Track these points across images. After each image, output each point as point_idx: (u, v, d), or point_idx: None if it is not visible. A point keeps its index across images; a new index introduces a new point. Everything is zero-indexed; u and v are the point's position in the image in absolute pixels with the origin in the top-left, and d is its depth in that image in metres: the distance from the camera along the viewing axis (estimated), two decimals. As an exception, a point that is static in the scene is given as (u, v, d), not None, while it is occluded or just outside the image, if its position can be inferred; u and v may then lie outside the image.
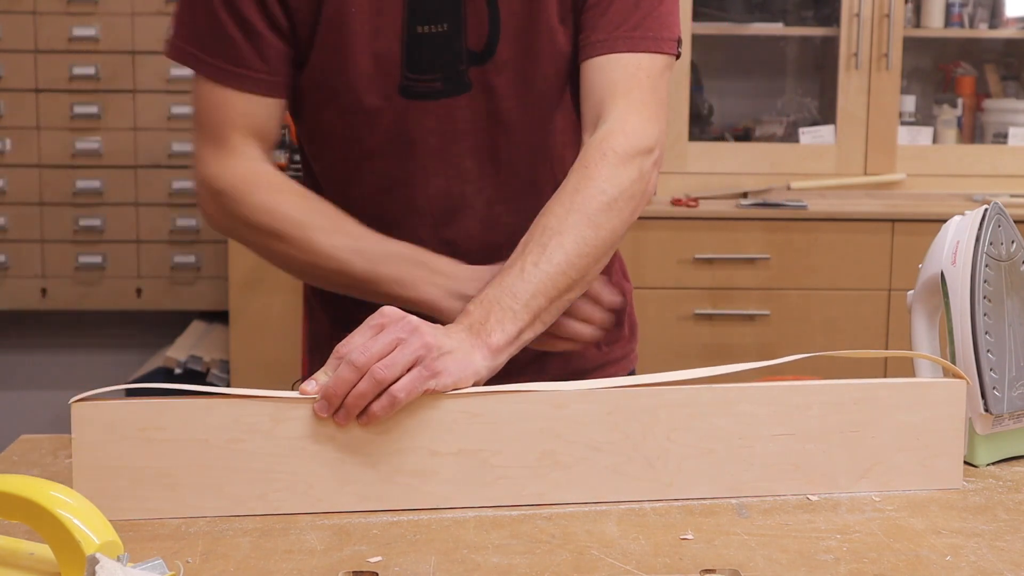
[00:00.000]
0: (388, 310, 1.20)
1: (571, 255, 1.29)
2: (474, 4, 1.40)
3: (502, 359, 1.24)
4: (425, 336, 1.17)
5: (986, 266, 1.29)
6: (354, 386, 1.14)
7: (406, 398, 1.15)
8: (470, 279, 1.38)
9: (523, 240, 1.32)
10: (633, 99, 1.38)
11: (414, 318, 1.19)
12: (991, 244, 1.30)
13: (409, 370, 1.16)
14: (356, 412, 1.15)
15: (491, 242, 1.46)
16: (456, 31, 1.40)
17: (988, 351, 1.28)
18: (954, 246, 1.32)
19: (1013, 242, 1.32)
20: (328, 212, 1.42)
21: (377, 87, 1.41)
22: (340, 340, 1.20)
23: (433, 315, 1.32)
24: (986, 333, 1.28)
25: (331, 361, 1.18)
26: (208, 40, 1.40)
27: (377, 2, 1.39)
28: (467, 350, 1.20)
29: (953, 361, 1.30)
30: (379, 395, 1.15)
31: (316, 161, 1.52)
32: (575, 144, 1.46)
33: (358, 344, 1.17)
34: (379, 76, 1.40)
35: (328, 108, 1.44)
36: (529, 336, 1.27)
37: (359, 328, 1.19)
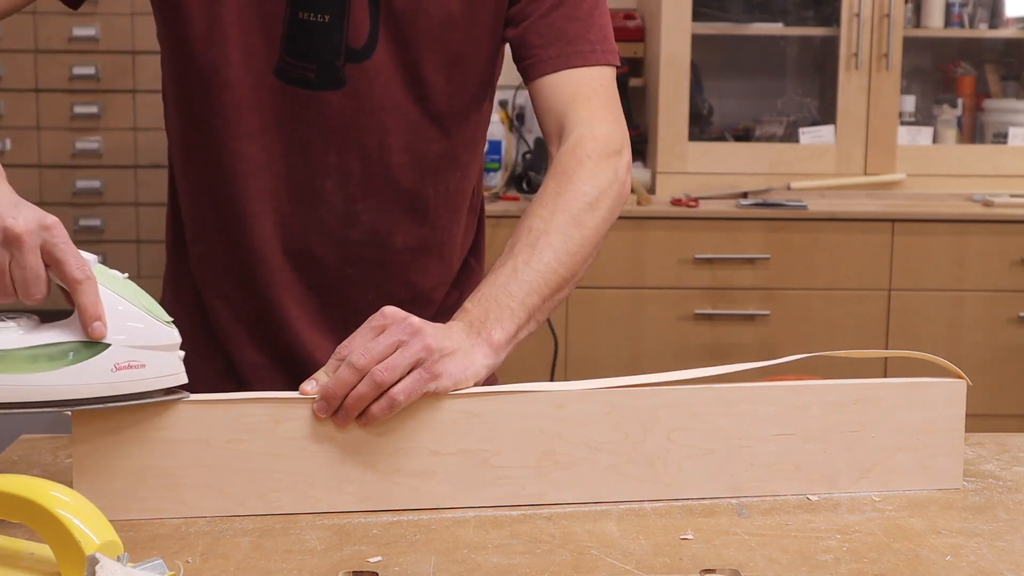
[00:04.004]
0: (390, 311, 1.20)
1: (560, 254, 1.31)
2: (359, 1, 1.39)
3: (502, 357, 1.25)
4: (426, 338, 1.17)
5: None
6: (354, 388, 1.15)
7: (405, 400, 1.15)
8: None
9: (509, 243, 1.33)
10: (594, 107, 1.42)
11: (416, 319, 1.19)
12: None
13: (409, 372, 1.16)
14: (355, 414, 1.15)
15: (346, 237, 1.46)
16: (337, 24, 1.39)
17: None
18: None
19: None
20: None
21: (254, 66, 1.40)
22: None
23: None
24: None
25: (331, 362, 1.18)
26: None
27: None
28: (468, 350, 1.20)
29: None
30: (378, 397, 1.15)
31: (178, 141, 1.49)
32: (456, 154, 1.48)
33: (359, 346, 1.17)
34: (257, 55, 1.39)
35: (199, 82, 1.42)
36: (524, 334, 1.28)
37: (360, 329, 1.19)
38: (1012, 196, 3.64)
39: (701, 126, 3.88)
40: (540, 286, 1.29)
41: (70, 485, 1.04)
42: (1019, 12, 3.94)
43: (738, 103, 4.02)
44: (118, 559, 0.90)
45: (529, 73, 1.44)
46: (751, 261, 3.45)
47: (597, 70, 1.44)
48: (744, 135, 3.93)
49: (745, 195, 3.64)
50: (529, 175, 3.56)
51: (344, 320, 1.40)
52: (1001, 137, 3.84)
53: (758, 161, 3.74)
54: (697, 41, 3.74)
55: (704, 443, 1.21)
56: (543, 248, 1.30)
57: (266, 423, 1.15)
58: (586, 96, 1.42)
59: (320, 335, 1.48)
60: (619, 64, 1.47)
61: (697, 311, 3.45)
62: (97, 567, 0.88)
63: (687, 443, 1.20)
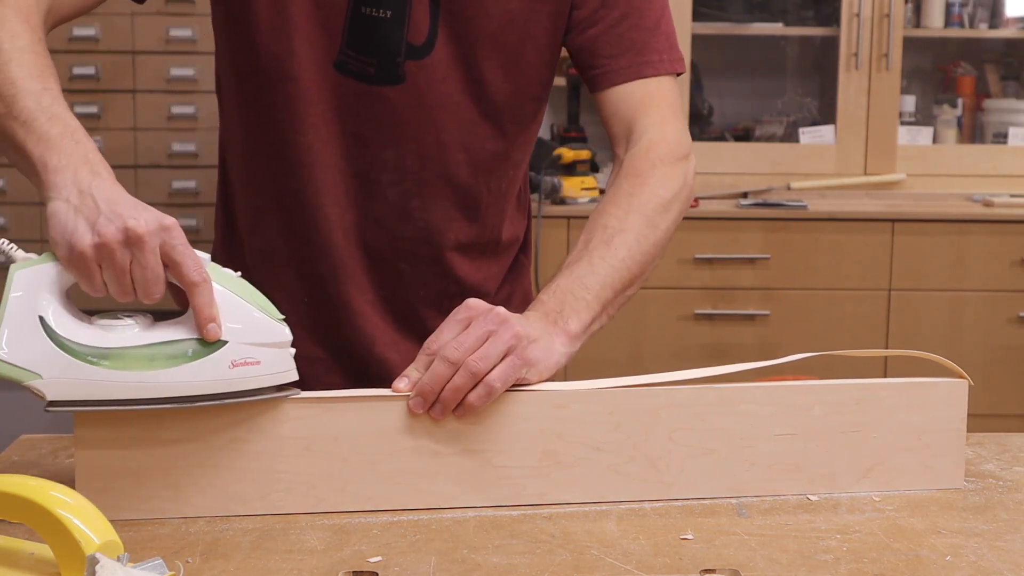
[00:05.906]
0: (473, 303, 1.21)
1: (634, 251, 1.35)
2: None
3: (577, 346, 1.27)
4: (515, 326, 1.19)
5: None
6: (449, 381, 1.16)
7: (502, 387, 1.17)
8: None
9: (583, 239, 1.36)
10: (663, 112, 1.46)
11: (502, 309, 1.21)
12: None
13: (502, 360, 1.17)
14: (453, 405, 1.17)
15: (401, 233, 1.48)
16: (398, 20, 1.40)
17: None
18: None
19: None
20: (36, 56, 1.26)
21: (316, 58, 1.40)
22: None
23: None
24: None
25: (421, 357, 1.19)
26: None
27: None
28: (548, 338, 1.23)
29: None
30: (474, 387, 1.16)
31: (237, 134, 1.49)
32: (509, 153, 1.50)
33: (449, 340, 1.18)
34: (319, 47, 1.40)
35: (263, 75, 1.43)
36: (597, 326, 1.31)
37: (446, 323, 1.21)
38: (1012, 196, 3.64)
39: (701, 126, 3.88)
40: (614, 280, 1.32)
41: (70, 485, 1.04)
42: (1019, 12, 3.94)
43: (738, 103, 4.02)
44: (118, 559, 0.90)
45: (599, 82, 1.47)
46: (751, 261, 3.45)
47: (665, 78, 1.48)
48: (744, 135, 3.93)
49: (745, 195, 3.64)
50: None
51: (401, 314, 1.47)
52: (1001, 137, 3.84)
53: (758, 161, 3.75)
54: (697, 41, 3.74)
55: (705, 443, 1.21)
56: (618, 245, 1.34)
57: (268, 423, 1.15)
58: (656, 103, 1.46)
59: (380, 329, 1.50)
60: (684, 70, 1.51)
61: (697, 311, 3.45)
62: (97, 567, 0.88)
63: (688, 443, 1.20)
